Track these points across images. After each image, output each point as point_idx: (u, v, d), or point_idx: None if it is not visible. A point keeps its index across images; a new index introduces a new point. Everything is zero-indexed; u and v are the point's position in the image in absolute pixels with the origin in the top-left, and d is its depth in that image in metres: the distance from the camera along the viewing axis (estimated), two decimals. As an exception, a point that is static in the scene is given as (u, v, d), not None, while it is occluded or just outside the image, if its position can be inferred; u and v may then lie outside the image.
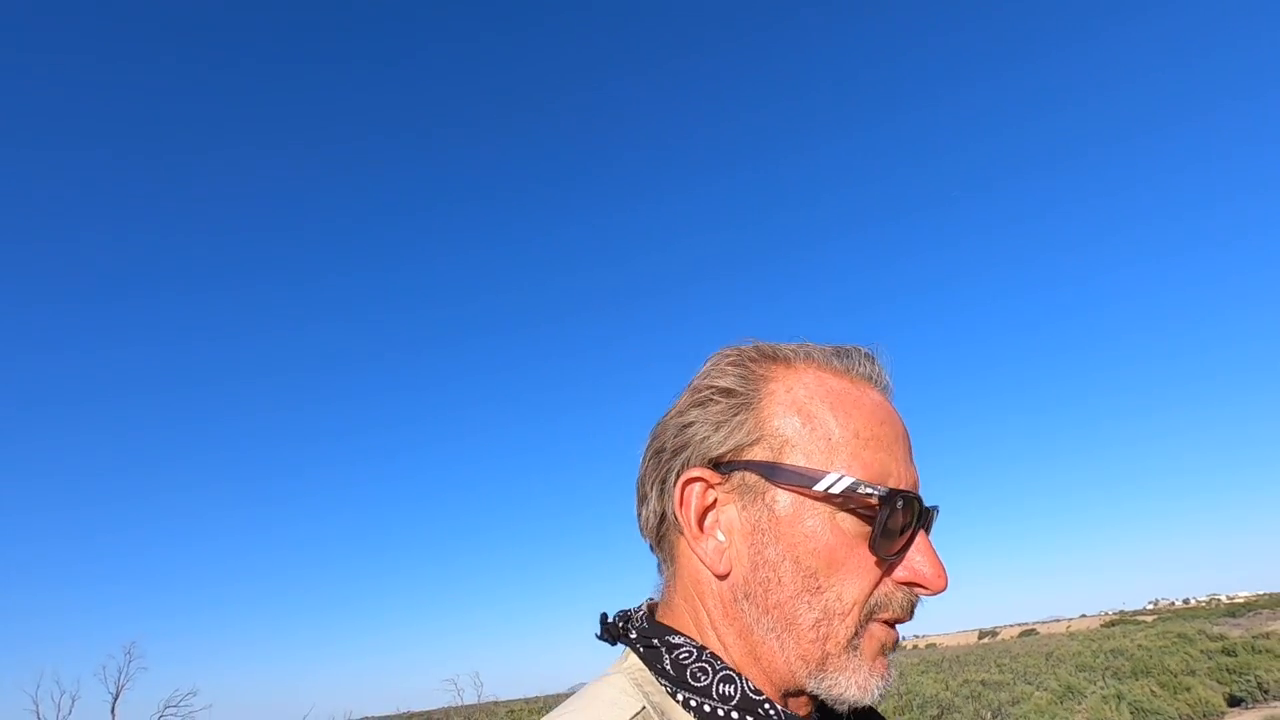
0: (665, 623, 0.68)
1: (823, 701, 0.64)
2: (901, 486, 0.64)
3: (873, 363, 0.71)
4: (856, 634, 0.62)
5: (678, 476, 0.66)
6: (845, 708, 0.63)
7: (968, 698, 15.23)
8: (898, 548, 0.63)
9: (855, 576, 0.62)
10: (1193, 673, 17.03)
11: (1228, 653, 21.14)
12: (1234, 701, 15.36)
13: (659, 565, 0.72)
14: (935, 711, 12.68)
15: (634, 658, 0.66)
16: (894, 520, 0.62)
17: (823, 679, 0.61)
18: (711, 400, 0.67)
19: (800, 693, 0.64)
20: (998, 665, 28.24)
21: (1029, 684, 20.50)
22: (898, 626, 0.65)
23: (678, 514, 0.66)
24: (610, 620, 0.70)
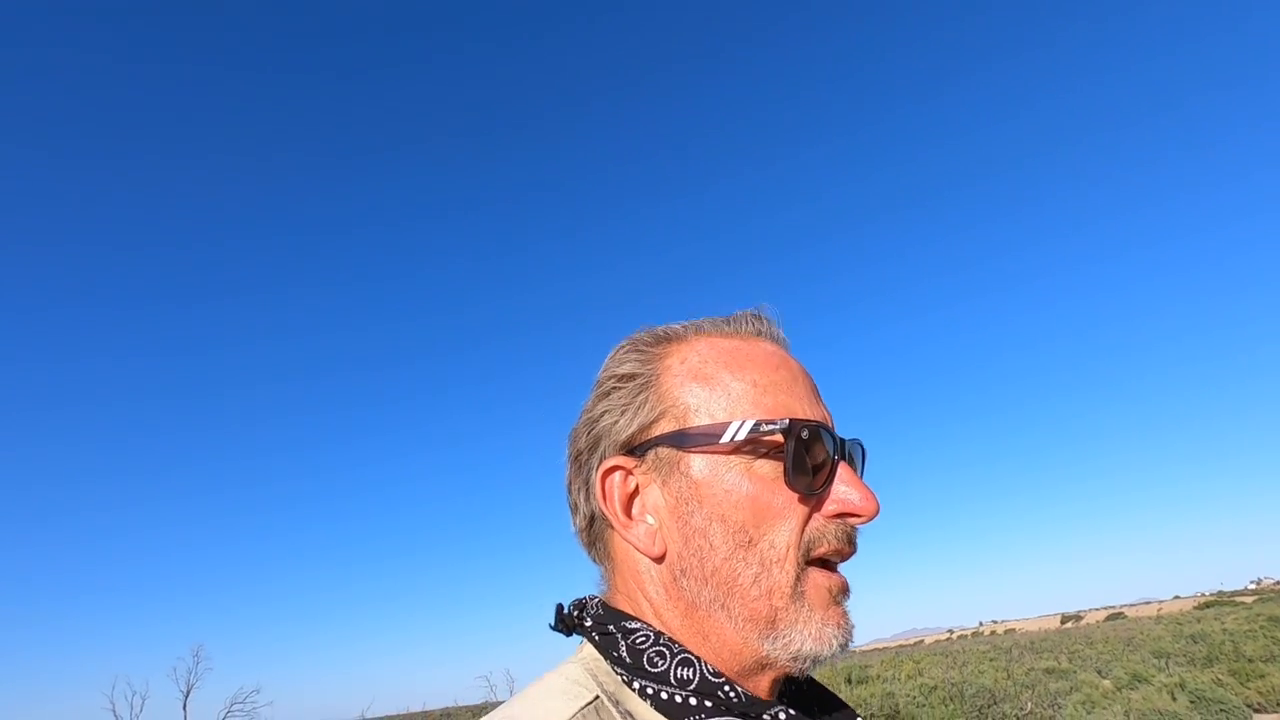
0: (621, 609, 0.66)
1: (785, 684, 0.64)
2: (812, 418, 0.64)
3: (760, 320, 0.72)
4: (798, 580, 0.61)
5: (597, 472, 0.67)
6: (804, 672, 0.63)
7: (1025, 686, 15.05)
8: (820, 481, 0.63)
9: (783, 519, 0.61)
10: (1272, 659, 16.27)
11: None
12: (1315, 689, 14.60)
13: (601, 572, 0.72)
14: (985, 701, 12.67)
15: (589, 647, 0.65)
16: (805, 452, 0.62)
17: (776, 637, 0.60)
18: (614, 389, 0.69)
19: (759, 669, 0.63)
20: (1068, 652, 27.38)
21: (1096, 672, 19.97)
22: (842, 569, 0.65)
23: (603, 507, 0.66)
24: (565, 611, 0.69)
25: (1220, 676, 13.75)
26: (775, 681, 0.64)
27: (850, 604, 0.66)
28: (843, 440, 0.67)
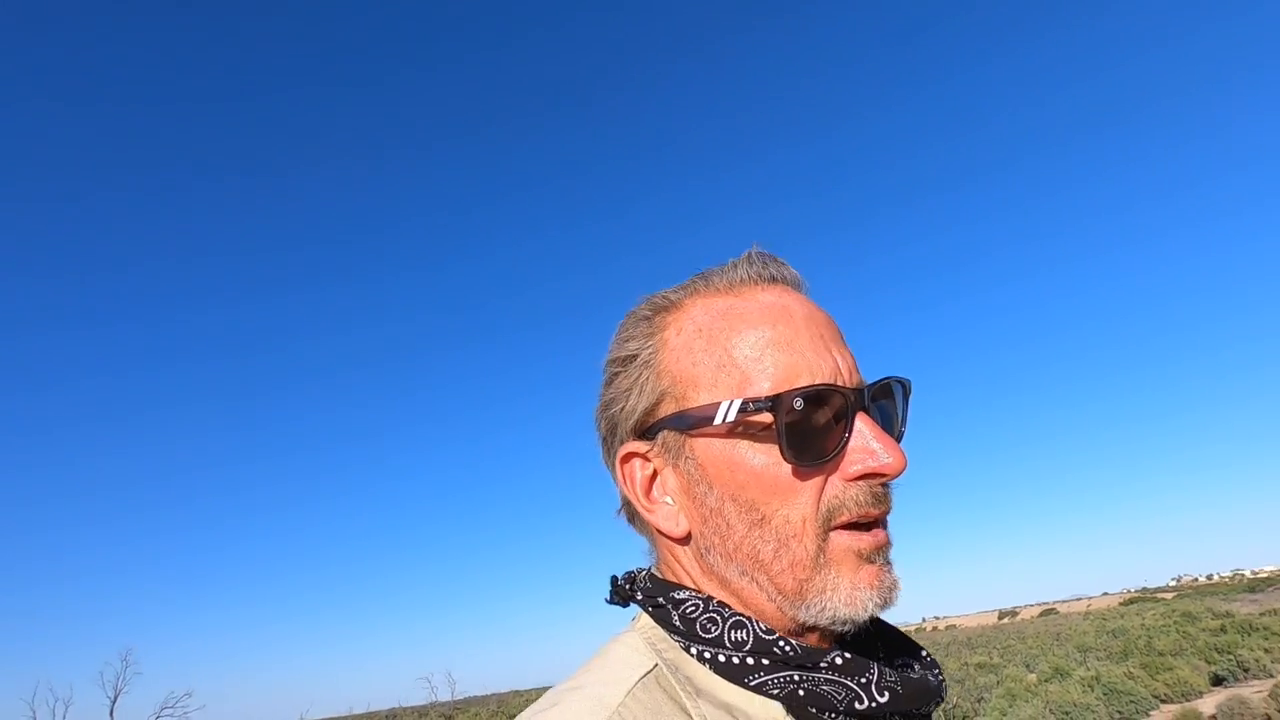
0: (667, 579, 0.67)
1: (844, 635, 0.62)
2: (815, 381, 0.59)
3: (757, 262, 0.67)
4: (820, 550, 0.59)
5: (617, 458, 0.67)
6: (851, 629, 0.60)
7: (955, 681, 15.77)
8: (832, 445, 0.59)
9: (795, 493, 0.59)
10: (1180, 653, 17.41)
11: (1238, 630, 21.39)
12: (1217, 680, 15.75)
13: (647, 546, 0.72)
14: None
15: (645, 617, 0.65)
16: (804, 420, 0.58)
17: (808, 607, 0.59)
18: (619, 372, 0.67)
19: (804, 630, 0.61)
20: (1001, 648, 28.64)
21: (1025, 666, 20.98)
22: (887, 522, 0.62)
23: (626, 492, 0.67)
24: (619, 583, 0.70)
25: (1132, 670, 14.67)
26: (825, 635, 0.62)
27: (894, 556, 0.62)
28: (862, 390, 0.61)
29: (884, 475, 0.60)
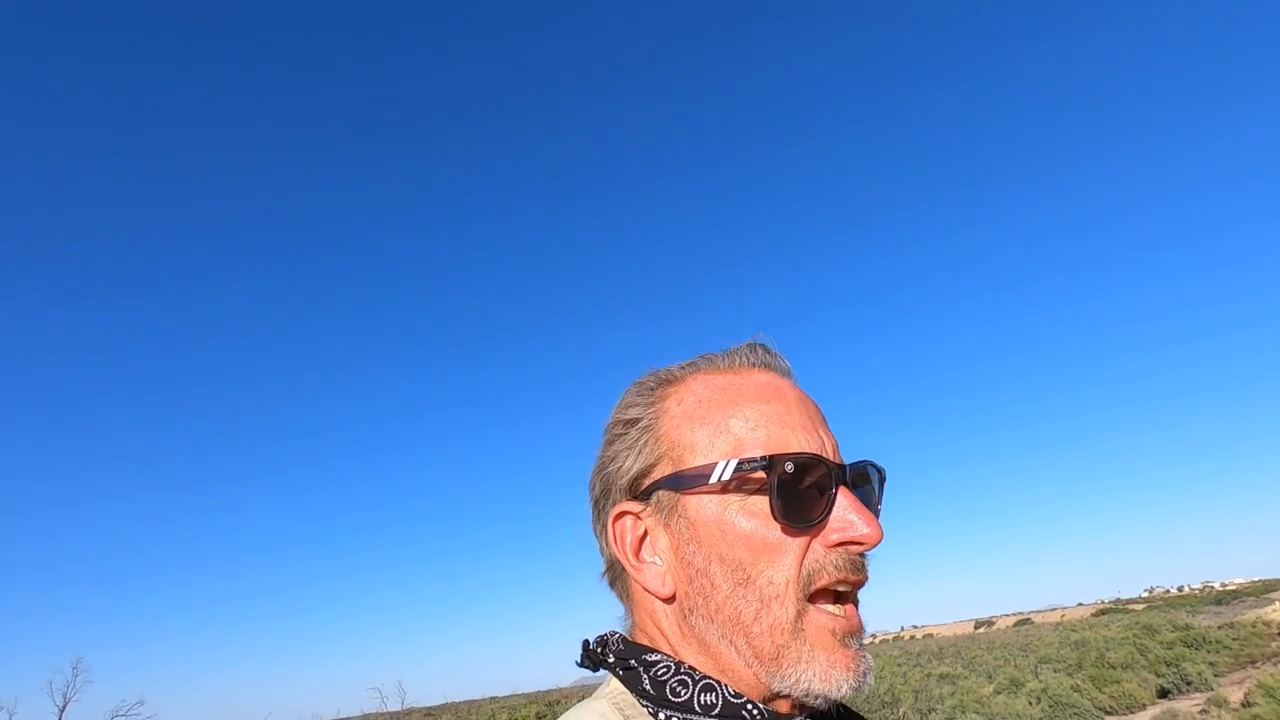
0: (640, 643, 0.68)
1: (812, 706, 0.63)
2: (801, 450, 0.63)
3: (756, 351, 0.73)
4: (799, 617, 0.61)
5: (609, 517, 0.69)
6: (822, 705, 0.62)
7: (915, 691, 16.18)
8: (817, 512, 0.62)
9: (779, 554, 0.61)
10: (1131, 665, 17.94)
11: (1186, 644, 21.98)
12: (1163, 693, 16.27)
13: (624, 610, 0.73)
14: (874, 706, 13.66)
15: (615, 681, 0.66)
16: (793, 484, 0.62)
17: (783, 676, 0.61)
18: (619, 435, 0.71)
19: (776, 698, 0.63)
20: (967, 658, 29.08)
21: (987, 677, 21.44)
22: (858, 600, 0.65)
23: (615, 551, 0.68)
24: (590, 647, 0.71)
25: (1080, 683, 15.16)
26: (795, 706, 0.64)
27: (865, 642, 0.65)
28: (843, 466, 0.66)
29: (862, 545, 0.63)
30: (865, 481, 0.69)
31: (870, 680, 0.63)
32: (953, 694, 15.82)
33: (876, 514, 0.69)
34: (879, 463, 0.71)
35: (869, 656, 0.64)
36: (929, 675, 21.17)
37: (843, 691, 0.61)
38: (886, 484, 0.72)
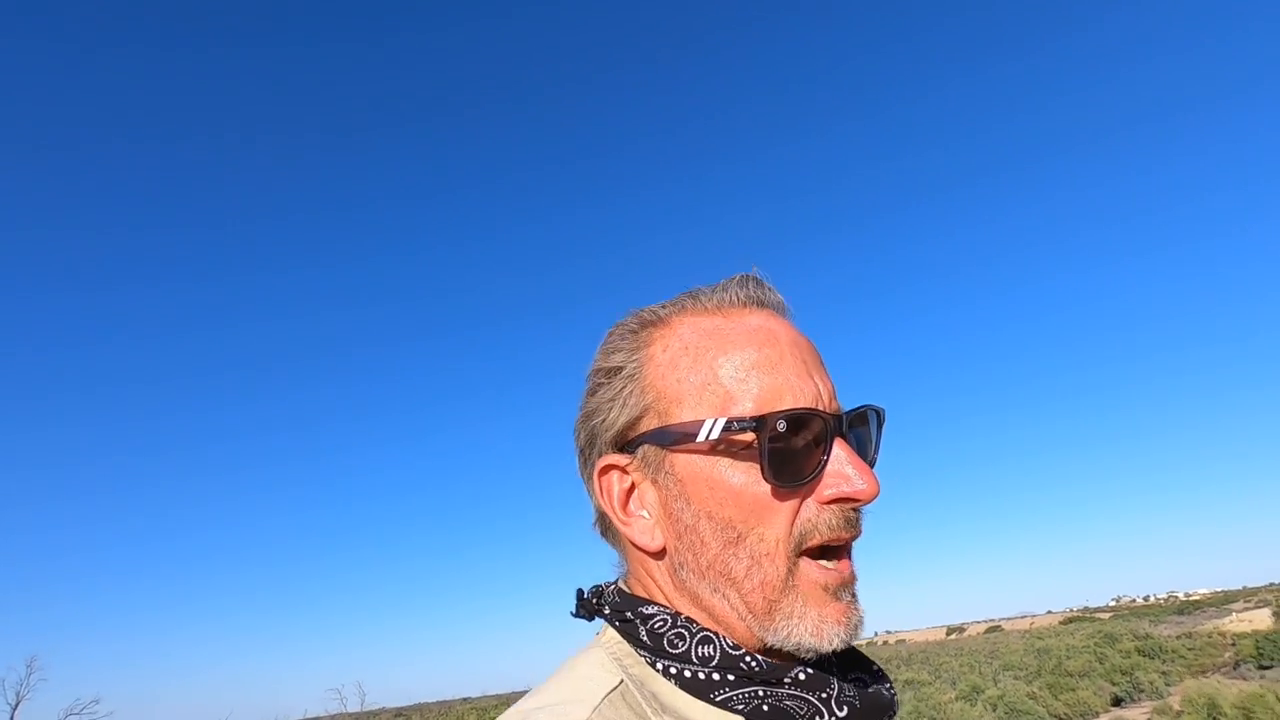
0: (637, 594, 0.68)
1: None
2: (798, 404, 0.61)
3: (747, 285, 0.69)
4: (790, 574, 0.61)
5: (595, 469, 0.68)
6: (814, 656, 0.61)
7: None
8: (810, 468, 0.61)
9: (770, 512, 0.60)
10: (1088, 673, 18.45)
11: (1143, 653, 22.59)
12: (1117, 701, 16.74)
13: (617, 558, 0.73)
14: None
15: (611, 631, 0.66)
16: (785, 441, 0.60)
17: (775, 630, 0.60)
18: (602, 384, 0.68)
19: (771, 650, 0.62)
20: (935, 665, 29.55)
21: (951, 684, 21.86)
22: (852, 550, 0.64)
23: (602, 505, 0.68)
24: (585, 596, 0.70)
25: (1037, 690, 15.54)
26: (790, 654, 0.63)
27: (859, 590, 0.64)
28: (841, 416, 0.64)
29: (857, 500, 0.62)
30: (862, 423, 0.68)
31: (861, 632, 0.63)
32: (912, 700, 16.15)
33: (873, 462, 0.67)
34: (878, 405, 0.69)
35: (860, 608, 0.64)
36: (894, 681, 21.47)
37: (834, 645, 0.61)
38: (885, 425, 0.70)
